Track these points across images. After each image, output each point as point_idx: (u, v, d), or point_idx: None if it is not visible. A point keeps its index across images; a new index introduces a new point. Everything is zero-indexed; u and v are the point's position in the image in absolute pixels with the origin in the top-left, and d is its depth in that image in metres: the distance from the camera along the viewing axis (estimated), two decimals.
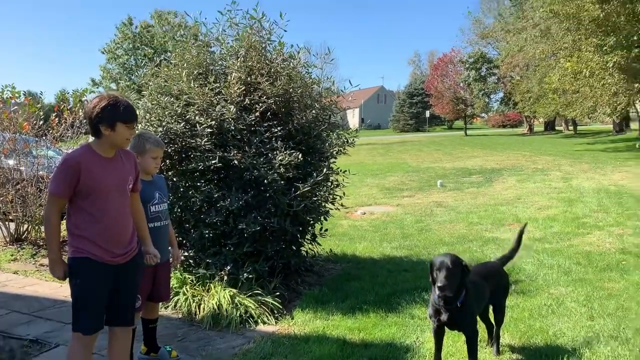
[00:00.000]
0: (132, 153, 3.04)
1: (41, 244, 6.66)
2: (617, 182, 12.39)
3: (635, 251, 6.19)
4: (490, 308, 3.58)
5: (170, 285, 3.94)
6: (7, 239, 6.81)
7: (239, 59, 4.85)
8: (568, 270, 5.56)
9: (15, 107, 7.01)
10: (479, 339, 3.33)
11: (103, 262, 2.68)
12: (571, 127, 42.15)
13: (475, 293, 3.23)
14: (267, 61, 4.98)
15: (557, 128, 46.98)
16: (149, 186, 3.38)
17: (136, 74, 38.99)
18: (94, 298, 2.70)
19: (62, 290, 4.98)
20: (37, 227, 6.79)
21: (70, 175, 2.59)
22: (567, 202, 9.89)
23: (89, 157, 2.67)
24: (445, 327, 3.25)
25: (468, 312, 3.13)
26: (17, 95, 7.09)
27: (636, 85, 18.88)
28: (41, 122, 7.02)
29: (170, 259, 3.57)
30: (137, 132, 3.60)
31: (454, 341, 3.64)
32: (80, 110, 6.98)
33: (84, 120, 6.77)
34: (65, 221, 2.74)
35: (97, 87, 41.10)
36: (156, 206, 3.39)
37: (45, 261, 6.08)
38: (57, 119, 7.07)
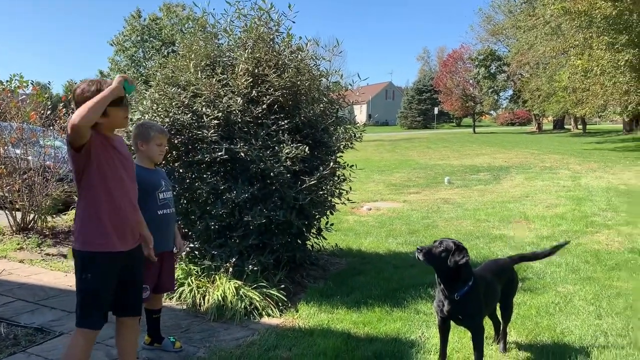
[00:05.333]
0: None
1: (47, 233, 6.68)
2: (626, 181, 12.28)
3: None
4: (498, 305, 3.54)
5: (175, 276, 3.93)
6: (14, 228, 6.82)
7: (246, 50, 4.80)
8: (576, 268, 5.50)
9: (23, 96, 7.02)
10: (485, 336, 3.29)
11: (117, 251, 2.59)
12: (580, 126, 41.82)
13: (486, 289, 3.19)
14: (274, 53, 4.94)
15: (566, 127, 46.65)
16: (154, 174, 3.37)
17: (144, 65, 39.00)
18: (107, 293, 2.62)
19: (66, 280, 5.00)
20: (43, 217, 6.81)
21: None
22: (576, 200, 9.81)
23: (97, 134, 2.53)
24: (451, 322, 3.22)
25: (471, 306, 3.08)
26: (25, 84, 7.09)
27: None
28: (49, 112, 7.02)
29: (175, 249, 3.55)
30: (140, 122, 3.57)
31: (460, 337, 3.60)
32: None
33: None
34: (76, 210, 2.64)
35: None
36: (164, 193, 3.38)
37: (50, 250, 6.11)
38: (64, 109, 7.07)
